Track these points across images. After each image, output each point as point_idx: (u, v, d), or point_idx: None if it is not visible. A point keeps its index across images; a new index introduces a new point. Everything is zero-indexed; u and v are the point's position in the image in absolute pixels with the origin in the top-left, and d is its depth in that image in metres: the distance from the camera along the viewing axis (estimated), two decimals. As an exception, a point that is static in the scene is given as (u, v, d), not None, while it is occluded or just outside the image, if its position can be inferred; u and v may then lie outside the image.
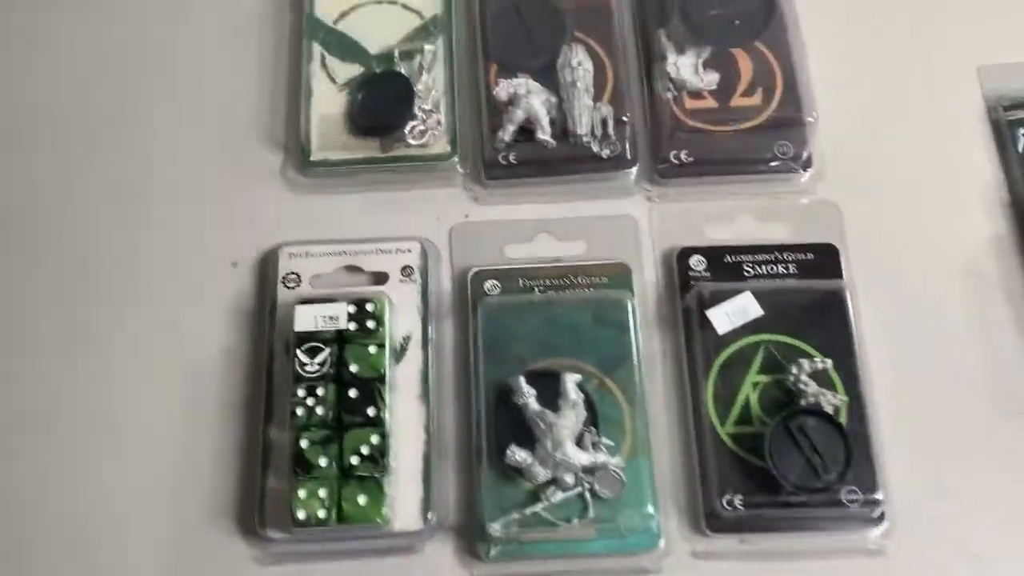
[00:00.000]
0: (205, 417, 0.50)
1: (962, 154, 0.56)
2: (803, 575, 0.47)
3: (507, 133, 0.54)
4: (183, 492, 0.48)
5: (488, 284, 0.52)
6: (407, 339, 0.50)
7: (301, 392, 0.47)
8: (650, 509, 0.46)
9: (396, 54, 0.56)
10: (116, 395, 0.51)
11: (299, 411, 0.46)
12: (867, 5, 0.60)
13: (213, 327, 0.52)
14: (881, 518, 0.47)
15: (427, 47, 0.56)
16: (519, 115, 0.54)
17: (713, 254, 0.53)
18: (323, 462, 0.45)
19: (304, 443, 0.46)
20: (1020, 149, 0.55)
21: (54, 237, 0.55)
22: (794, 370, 0.49)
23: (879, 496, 0.46)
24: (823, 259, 0.53)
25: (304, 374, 0.47)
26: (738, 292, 0.49)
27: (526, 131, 0.54)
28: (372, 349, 0.47)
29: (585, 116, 0.53)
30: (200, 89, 0.58)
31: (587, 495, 0.47)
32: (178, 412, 0.50)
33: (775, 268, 0.52)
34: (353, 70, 0.56)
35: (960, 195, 0.55)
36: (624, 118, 0.53)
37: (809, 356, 0.49)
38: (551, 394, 0.47)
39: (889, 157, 0.56)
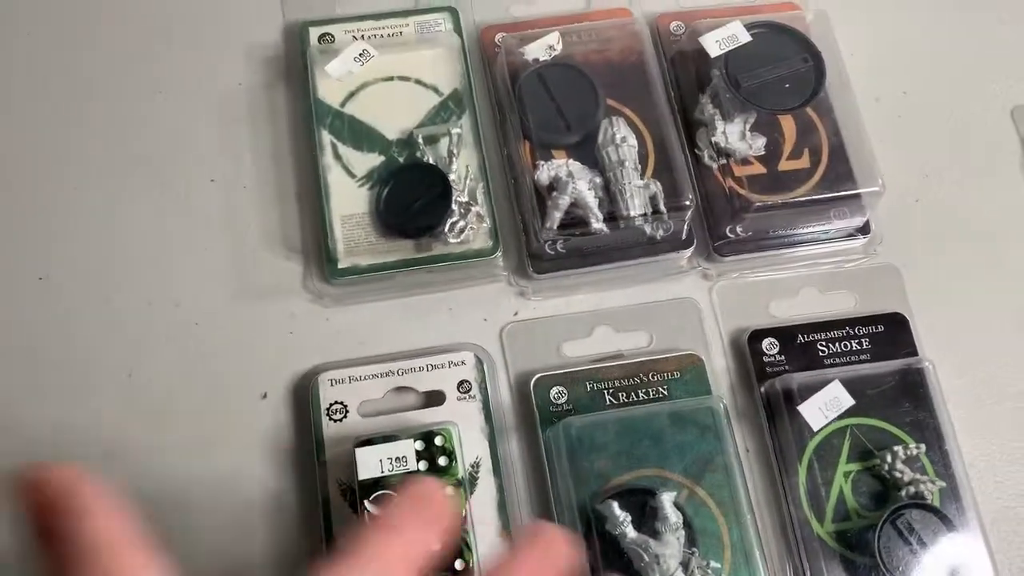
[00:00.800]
0: (260, 571, 0.45)
1: (1010, 204, 0.55)
2: (920, 675, 0.45)
3: (554, 221, 0.49)
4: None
5: (554, 392, 0.48)
6: (476, 466, 0.46)
7: (377, 550, 0.42)
8: (766, 631, 0.44)
9: (419, 139, 0.51)
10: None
11: None
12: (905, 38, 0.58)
13: (250, 471, 0.46)
14: (993, 607, 0.46)
15: (453, 130, 0.51)
16: (565, 201, 0.49)
17: (784, 334, 0.50)
18: (415, 630, 0.41)
19: (390, 611, 0.41)
20: (1069, 195, 0.54)
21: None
22: (888, 458, 0.46)
23: (996, 587, 0.44)
24: (893, 330, 0.51)
25: (377, 528, 0.42)
26: (826, 382, 0.47)
27: (575, 222, 0.50)
28: (448, 490, 0.43)
29: (636, 198, 0.49)
30: (201, 198, 0.51)
31: (696, 621, 0.44)
32: (229, 563, 0.45)
33: (848, 344, 0.50)
34: (371, 160, 0.51)
35: (1016, 247, 0.54)
36: (687, 202, 0.49)
37: (902, 443, 0.47)
38: (643, 514, 0.44)
39: (939, 213, 0.54)
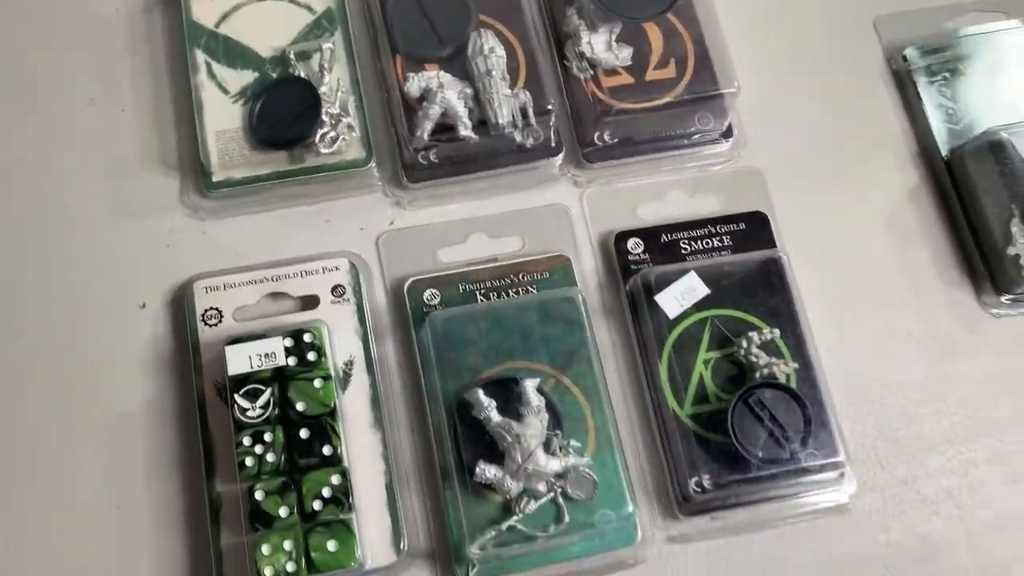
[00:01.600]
0: (137, 479, 0.46)
1: (869, 109, 0.57)
2: (774, 542, 0.48)
3: (425, 131, 0.51)
4: (126, 563, 0.45)
5: (427, 294, 0.49)
6: (350, 364, 0.47)
7: (246, 440, 0.43)
8: (627, 505, 0.46)
9: (291, 55, 0.52)
10: (37, 465, 0.46)
11: (248, 461, 0.43)
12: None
13: (129, 377, 0.47)
14: (842, 477, 0.49)
15: (325, 45, 0.52)
16: (436, 111, 0.51)
17: (649, 235, 0.52)
18: (283, 512, 0.42)
19: (259, 495, 0.42)
20: (920, 94, 0.56)
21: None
22: (744, 344, 0.49)
23: (840, 458, 0.47)
24: (754, 227, 0.53)
25: (246, 420, 0.43)
26: (683, 273, 0.49)
27: (443, 127, 0.52)
28: (317, 383, 0.44)
29: (505, 106, 0.51)
30: (77, 115, 0.52)
31: (560, 500, 0.46)
32: (106, 475, 0.46)
33: (710, 242, 0.52)
34: (245, 77, 0.52)
35: (873, 150, 0.56)
36: (549, 107, 0.51)
37: (757, 328, 0.49)
38: (509, 400, 0.46)
39: (803, 120, 0.56)
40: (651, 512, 0.48)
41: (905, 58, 0.57)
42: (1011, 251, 0.51)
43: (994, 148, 0.52)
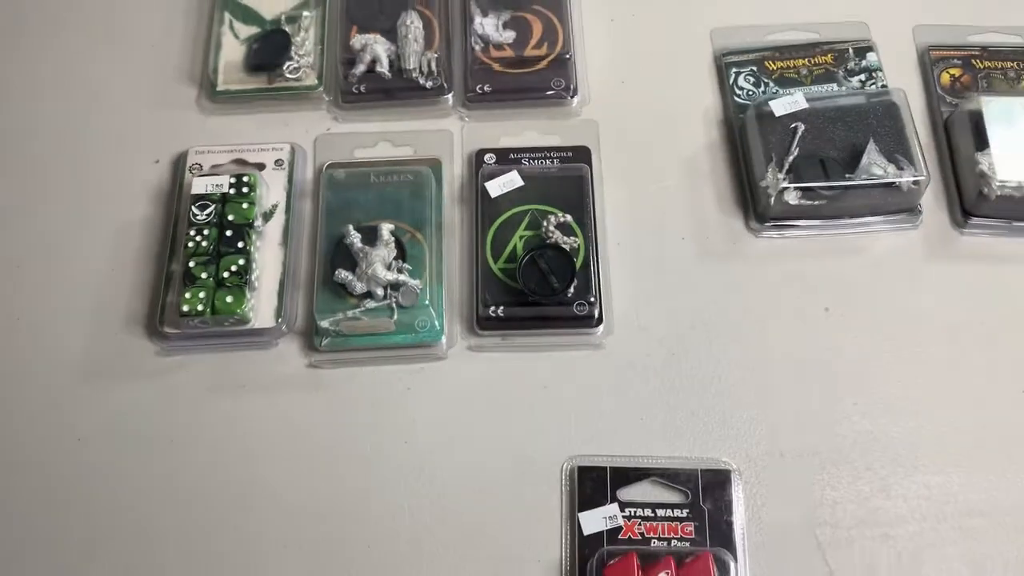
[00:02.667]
0: (129, 260, 0.70)
1: (693, 90, 0.77)
2: (547, 362, 0.66)
3: (358, 70, 0.75)
4: (108, 306, 0.68)
5: (337, 172, 0.72)
6: (275, 207, 0.70)
7: (192, 232, 0.66)
8: (438, 319, 0.65)
9: (283, 18, 0.78)
10: (63, 241, 0.71)
11: (190, 244, 0.66)
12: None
13: (139, 202, 0.72)
14: (600, 320, 0.66)
15: (306, 13, 0.78)
16: (367, 58, 0.75)
17: (501, 153, 0.73)
18: (204, 276, 0.65)
19: (191, 263, 0.65)
20: (730, 82, 0.75)
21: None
22: (544, 223, 0.68)
23: (592, 299, 0.65)
24: (580, 156, 0.73)
25: (195, 221, 0.67)
26: (508, 171, 0.70)
27: (374, 73, 0.75)
28: (244, 205, 0.67)
29: (413, 59, 0.74)
30: (139, 41, 0.79)
31: (393, 304, 0.66)
32: (109, 255, 0.70)
33: (544, 162, 0.73)
34: (252, 29, 0.78)
35: (688, 115, 0.76)
36: (436, 54, 0.74)
37: (556, 213, 0.68)
38: (372, 241, 0.67)
39: (640, 90, 0.77)
40: (460, 329, 0.67)
41: (724, 55, 0.77)
42: (763, 183, 0.69)
43: (760, 114, 0.71)
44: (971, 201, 0.69)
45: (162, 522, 0.61)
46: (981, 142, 0.69)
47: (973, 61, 0.76)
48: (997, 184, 0.67)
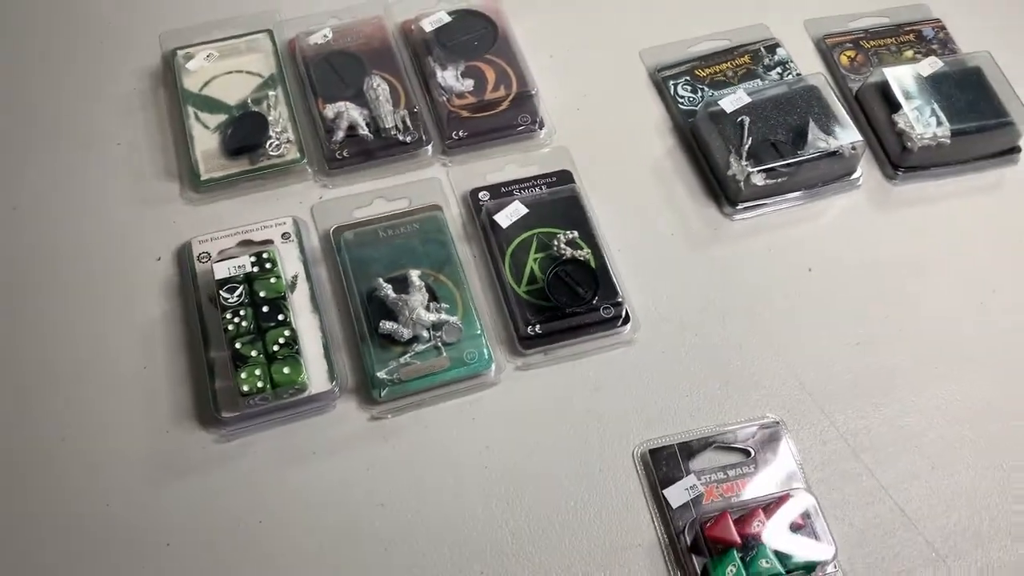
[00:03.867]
0: (159, 357, 0.69)
1: (640, 106, 0.86)
2: (589, 365, 0.71)
3: (338, 136, 0.78)
4: (152, 407, 0.67)
5: (347, 235, 0.75)
6: (295, 277, 0.72)
7: (228, 315, 0.67)
8: (485, 347, 0.69)
9: (249, 101, 0.80)
10: (90, 355, 0.69)
11: (230, 327, 0.67)
12: (559, 18, 0.90)
13: (152, 300, 0.72)
14: (627, 319, 0.72)
15: (271, 93, 0.80)
16: (344, 124, 0.78)
17: (492, 189, 0.78)
18: (253, 353, 0.65)
19: (238, 345, 0.66)
20: (672, 93, 0.85)
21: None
22: (555, 243, 0.74)
23: (620, 300, 0.71)
24: (563, 180, 0.79)
25: (228, 304, 0.67)
26: (511, 202, 0.75)
27: (353, 137, 0.79)
28: (272, 279, 0.69)
29: (389, 118, 0.79)
30: (107, 147, 0.79)
31: (439, 343, 0.69)
32: (138, 357, 0.69)
33: (533, 189, 0.78)
34: (219, 118, 0.79)
35: (643, 128, 0.84)
36: (415, 109, 0.78)
37: (562, 232, 0.74)
38: (402, 289, 0.70)
39: (594, 114, 0.84)
40: (503, 353, 0.71)
41: (659, 71, 0.86)
42: (730, 172, 0.78)
43: (711, 113, 0.80)
44: (896, 156, 0.81)
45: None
46: (893, 106, 0.81)
47: (861, 42, 0.89)
48: (917, 136, 0.79)
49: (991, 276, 0.77)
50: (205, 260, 0.72)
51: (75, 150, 0.79)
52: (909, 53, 0.88)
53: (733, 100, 0.80)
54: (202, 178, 0.77)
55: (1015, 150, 0.83)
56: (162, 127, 0.81)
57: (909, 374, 0.72)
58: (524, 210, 0.75)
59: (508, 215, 0.75)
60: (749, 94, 0.81)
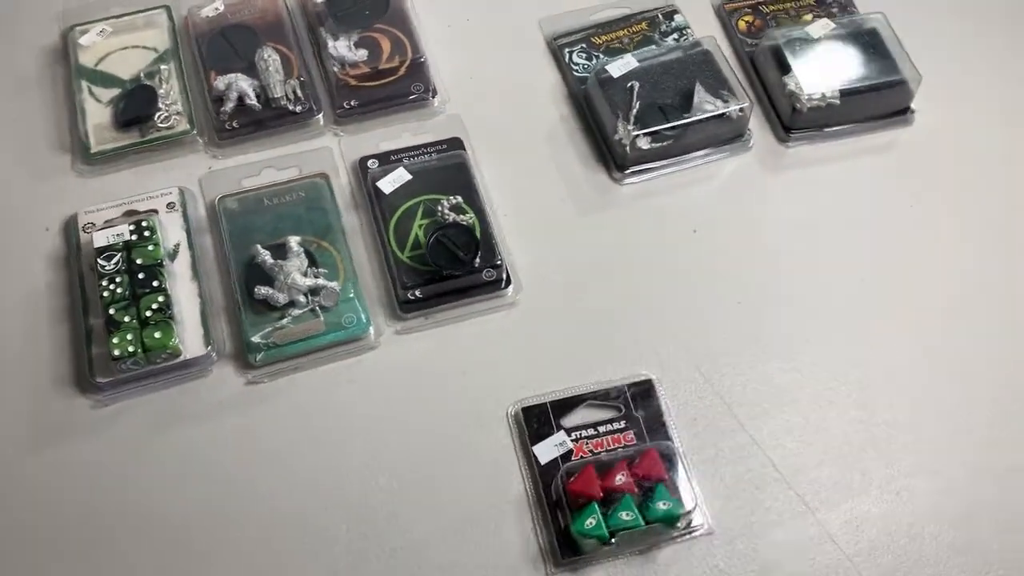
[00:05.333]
0: (42, 324, 0.70)
1: (535, 74, 0.86)
2: (470, 328, 0.72)
3: (228, 107, 0.78)
4: (32, 373, 0.68)
5: (230, 202, 0.75)
6: (177, 245, 0.73)
7: (104, 283, 0.68)
8: (363, 312, 0.70)
9: (142, 75, 0.80)
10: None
11: (105, 294, 0.67)
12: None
13: (39, 270, 0.73)
14: (508, 282, 0.73)
15: (163, 67, 0.81)
16: (234, 95, 0.79)
17: (382, 156, 0.79)
18: (127, 319, 0.66)
19: (112, 310, 0.67)
20: (566, 60, 0.85)
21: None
22: (439, 208, 0.74)
23: (498, 262, 0.71)
24: (453, 146, 0.80)
25: (104, 272, 0.68)
26: (395, 169, 0.75)
27: (243, 108, 0.79)
28: (150, 247, 0.70)
29: (278, 88, 0.79)
30: (8, 128, 0.80)
31: (317, 308, 0.70)
32: (20, 324, 0.70)
33: (423, 158, 0.79)
34: (112, 92, 0.80)
35: (537, 95, 0.84)
36: (301, 79, 0.79)
37: (446, 197, 0.75)
38: (281, 255, 0.71)
39: (489, 82, 0.85)
40: (384, 317, 0.71)
41: (556, 39, 0.86)
42: (616, 137, 0.78)
43: (601, 80, 0.80)
44: (788, 119, 0.81)
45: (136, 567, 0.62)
46: (784, 69, 0.81)
47: (760, 7, 0.89)
48: (806, 98, 0.80)
49: (876, 240, 0.77)
50: (90, 230, 0.73)
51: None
52: (808, 17, 0.88)
53: (621, 65, 0.80)
54: (92, 151, 0.77)
55: (908, 111, 0.83)
56: (57, 103, 0.81)
57: (786, 335, 0.72)
58: (407, 176, 0.76)
59: (391, 181, 0.75)
60: (640, 60, 0.81)
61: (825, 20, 0.83)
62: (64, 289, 0.72)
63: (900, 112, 0.83)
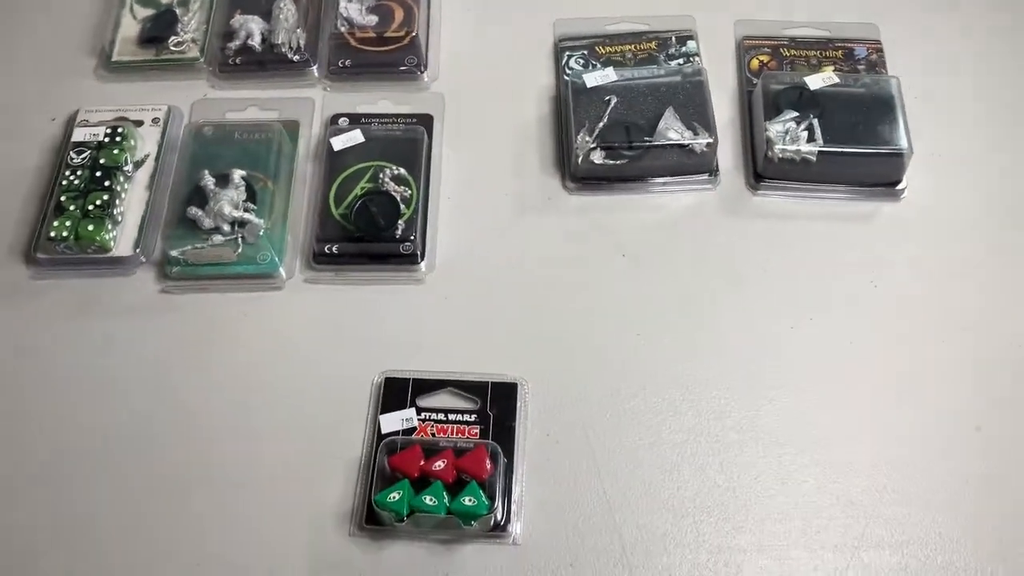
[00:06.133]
0: (18, 200, 0.79)
1: (531, 72, 0.86)
2: (373, 294, 0.74)
3: (234, 44, 0.85)
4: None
5: (205, 128, 0.81)
6: (146, 156, 0.80)
7: (67, 173, 0.76)
8: (274, 248, 0.74)
9: (174, 1, 0.88)
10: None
11: (63, 182, 0.76)
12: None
13: (34, 153, 0.82)
14: (422, 258, 0.74)
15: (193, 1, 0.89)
16: (243, 34, 0.85)
17: (353, 117, 0.82)
18: (72, 208, 0.74)
19: (63, 198, 0.75)
20: (563, 63, 0.85)
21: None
22: (381, 175, 0.77)
23: (414, 237, 0.73)
24: (423, 123, 0.82)
25: (71, 164, 0.76)
26: (351, 130, 0.79)
27: (248, 48, 0.85)
28: (116, 151, 0.77)
29: (283, 35, 0.85)
30: (50, 16, 0.90)
31: (239, 240, 0.74)
32: (7, 190, 0.79)
33: (390, 127, 0.82)
34: (148, 11, 0.89)
35: (525, 92, 0.85)
36: (300, 30, 0.84)
37: (390, 167, 0.77)
38: (224, 185, 0.76)
39: (485, 70, 0.86)
40: (299, 264, 0.75)
41: (561, 41, 0.86)
42: (575, 148, 0.77)
43: (575, 88, 0.80)
44: (761, 166, 0.78)
45: (20, 432, 0.70)
46: (769, 114, 0.78)
47: (781, 50, 0.85)
48: (779, 148, 0.76)
49: (817, 307, 0.73)
50: (82, 123, 0.82)
51: (22, 21, 0.91)
52: (829, 69, 0.84)
53: (598, 76, 0.79)
54: (112, 59, 0.86)
55: (896, 184, 0.77)
56: (104, 12, 0.91)
57: (675, 379, 0.70)
58: (360, 139, 0.79)
59: (344, 140, 0.79)
60: (624, 76, 0.80)
61: (829, 73, 0.79)
62: (47, 174, 0.81)
63: (888, 184, 0.78)
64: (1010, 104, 0.83)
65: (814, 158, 0.75)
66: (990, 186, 0.79)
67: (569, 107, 0.80)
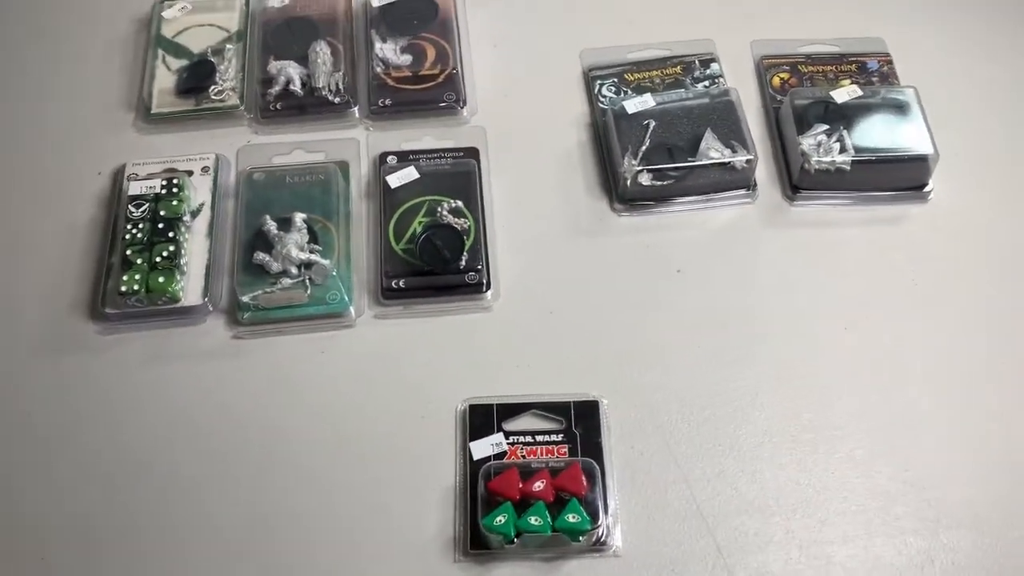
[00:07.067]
0: (75, 256, 0.79)
1: (565, 101, 0.90)
2: (444, 325, 0.76)
3: (274, 90, 0.86)
4: (57, 295, 0.77)
5: (257, 174, 0.83)
6: (202, 205, 0.81)
7: (129, 226, 0.77)
8: (344, 287, 0.76)
9: (209, 51, 0.90)
10: (19, 241, 0.80)
11: (127, 236, 0.76)
12: (514, 11, 0.95)
13: (86, 208, 0.82)
14: (488, 287, 0.77)
15: (229, 46, 0.90)
16: (282, 79, 0.87)
17: (401, 154, 0.85)
18: (139, 261, 0.75)
19: (128, 251, 0.75)
20: (595, 91, 0.89)
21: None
22: (439, 209, 0.79)
23: (479, 267, 0.76)
24: (470, 156, 0.85)
25: (131, 217, 0.77)
26: (406, 167, 0.81)
27: (289, 92, 0.87)
28: (175, 202, 0.78)
29: (323, 79, 0.87)
30: (84, 73, 0.91)
31: (307, 281, 0.76)
32: (59, 253, 0.80)
33: (439, 161, 0.84)
34: (182, 62, 0.90)
35: (562, 120, 0.88)
36: (343, 74, 0.86)
37: (448, 200, 0.80)
38: (286, 228, 0.77)
39: (520, 101, 0.90)
40: (368, 301, 0.77)
41: (591, 71, 0.90)
42: (622, 171, 0.81)
43: (616, 114, 0.83)
44: (797, 178, 0.82)
45: (103, 488, 0.69)
46: (801, 128, 0.82)
47: (799, 66, 0.90)
48: (815, 160, 0.80)
49: (866, 310, 0.77)
50: (133, 179, 0.82)
51: (58, 79, 0.91)
52: (846, 82, 0.89)
53: (637, 103, 0.83)
54: (152, 111, 0.87)
55: (923, 188, 0.82)
56: (136, 66, 0.92)
57: (745, 388, 0.73)
58: (415, 175, 0.81)
59: (399, 177, 0.81)
60: (658, 100, 0.84)
61: (854, 87, 0.84)
62: (101, 227, 0.81)
63: (916, 188, 0.83)
64: (1010, 104, 0.90)
65: (848, 167, 0.80)
66: (1003, 182, 0.85)
67: (612, 133, 0.83)
